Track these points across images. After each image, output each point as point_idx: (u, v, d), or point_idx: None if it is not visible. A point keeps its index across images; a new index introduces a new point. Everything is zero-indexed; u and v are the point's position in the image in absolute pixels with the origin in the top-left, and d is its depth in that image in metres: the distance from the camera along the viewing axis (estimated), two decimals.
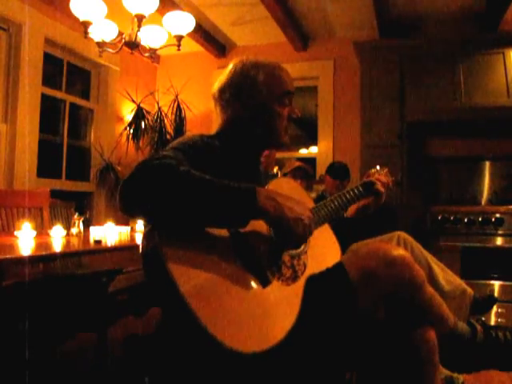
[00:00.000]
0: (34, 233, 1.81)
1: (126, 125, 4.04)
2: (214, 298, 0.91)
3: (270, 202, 0.96)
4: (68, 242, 1.84)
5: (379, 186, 1.45)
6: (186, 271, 0.90)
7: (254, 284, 0.98)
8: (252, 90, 1.22)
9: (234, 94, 1.23)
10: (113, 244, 1.88)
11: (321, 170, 3.95)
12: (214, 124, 4.52)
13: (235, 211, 0.94)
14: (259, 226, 1.05)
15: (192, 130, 4.08)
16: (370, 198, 1.47)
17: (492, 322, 2.92)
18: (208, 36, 4.15)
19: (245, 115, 1.23)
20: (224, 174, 0.96)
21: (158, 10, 2.56)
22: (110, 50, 2.72)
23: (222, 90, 1.26)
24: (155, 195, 0.90)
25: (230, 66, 1.28)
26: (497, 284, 3.02)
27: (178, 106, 4.15)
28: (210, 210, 0.93)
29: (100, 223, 2.81)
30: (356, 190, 1.42)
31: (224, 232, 1.00)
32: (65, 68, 3.73)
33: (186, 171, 0.93)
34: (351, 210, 1.51)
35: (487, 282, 3.03)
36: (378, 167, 1.58)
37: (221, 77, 1.28)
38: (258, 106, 1.22)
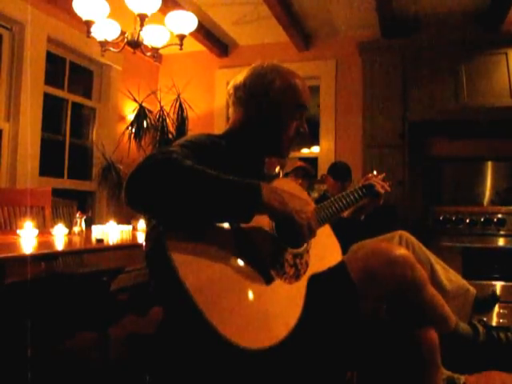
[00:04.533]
0: (36, 231, 1.82)
1: (128, 124, 4.05)
2: (219, 294, 0.91)
3: (274, 196, 0.97)
4: (70, 241, 1.85)
5: (379, 188, 1.50)
6: (190, 266, 0.90)
7: (257, 281, 0.98)
8: (265, 94, 1.21)
9: (247, 95, 1.23)
10: (115, 243, 1.88)
11: (322, 169, 3.94)
12: (216, 123, 4.54)
13: (240, 205, 0.95)
14: (262, 223, 1.06)
15: (194, 129, 4.09)
16: (368, 199, 1.51)
17: (494, 323, 2.92)
18: (210, 35, 4.15)
19: (254, 118, 1.23)
20: (229, 174, 0.96)
21: (160, 10, 2.56)
22: (113, 50, 2.72)
23: (236, 88, 1.25)
24: (160, 188, 0.91)
25: (250, 66, 1.27)
26: (498, 284, 3.02)
27: (180, 105, 4.15)
28: (214, 204, 0.94)
29: (102, 222, 2.82)
30: (356, 193, 1.45)
31: (227, 228, 1.01)
32: (67, 67, 3.74)
33: (190, 165, 0.93)
34: (348, 210, 1.53)
35: (489, 282, 3.02)
36: (375, 172, 1.64)
37: (239, 75, 1.27)
38: (267, 111, 1.22)
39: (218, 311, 0.88)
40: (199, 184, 0.92)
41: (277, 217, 1.01)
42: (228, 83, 1.30)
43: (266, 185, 0.98)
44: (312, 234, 1.06)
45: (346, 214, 1.57)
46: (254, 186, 0.96)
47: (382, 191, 1.53)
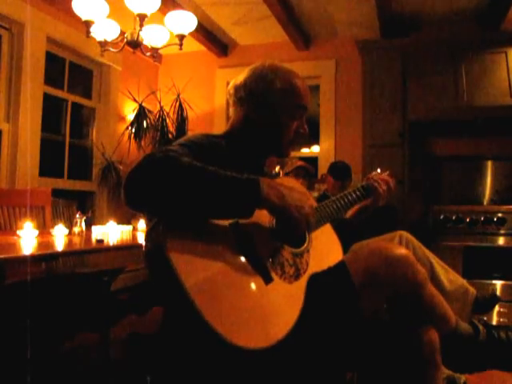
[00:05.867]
0: (36, 232, 1.82)
1: (128, 124, 4.05)
2: (218, 294, 0.91)
3: (273, 191, 0.97)
4: (70, 241, 1.85)
5: (380, 187, 1.47)
6: (189, 266, 0.90)
7: (257, 281, 0.98)
8: (265, 94, 1.21)
9: (248, 95, 1.23)
10: (115, 243, 1.89)
11: (322, 169, 3.94)
12: (216, 123, 4.54)
13: (239, 200, 0.95)
14: (262, 220, 1.06)
15: (194, 129, 4.09)
16: (370, 199, 1.48)
17: (494, 322, 2.92)
18: (210, 35, 4.15)
19: (253, 118, 1.23)
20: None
21: (159, 10, 2.56)
22: (112, 50, 2.72)
23: (236, 88, 1.25)
24: (158, 186, 0.91)
25: (251, 66, 1.27)
26: (499, 284, 3.02)
27: (180, 105, 4.15)
28: (213, 199, 0.94)
29: (102, 222, 2.82)
30: (358, 192, 1.43)
31: (227, 227, 1.01)
32: (67, 67, 3.73)
33: (188, 162, 0.94)
34: (351, 210, 1.52)
35: (489, 281, 3.02)
36: (378, 170, 1.60)
37: (239, 75, 1.28)
38: (267, 111, 1.22)
39: (217, 311, 0.88)
40: (198, 180, 0.92)
41: (275, 211, 1.00)
42: (228, 83, 1.31)
43: (265, 179, 0.98)
44: (309, 229, 1.05)
45: (348, 214, 1.56)
46: (253, 181, 0.96)
47: (381, 191, 1.50)
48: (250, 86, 1.23)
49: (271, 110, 1.22)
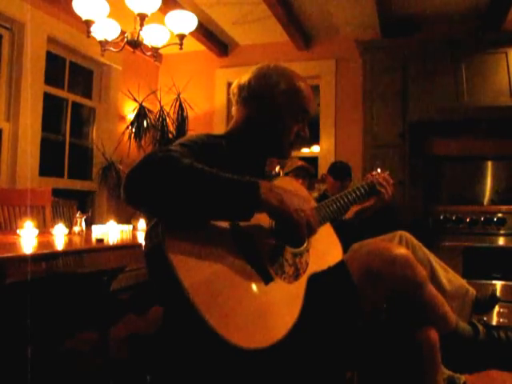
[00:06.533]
0: (37, 231, 1.82)
1: (128, 124, 4.05)
2: (218, 295, 0.91)
3: (272, 194, 0.97)
4: (70, 241, 1.85)
5: (384, 189, 1.46)
6: (189, 266, 0.90)
7: (256, 281, 0.98)
8: (269, 95, 1.22)
9: (251, 95, 1.23)
10: (115, 242, 1.89)
11: (323, 169, 3.94)
12: (216, 123, 4.52)
13: (238, 203, 0.94)
14: (262, 221, 1.06)
15: (194, 128, 4.09)
16: (371, 199, 1.48)
17: (494, 322, 2.92)
18: (210, 35, 4.15)
19: (256, 118, 1.23)
20: (229, 173, 0.96)
21: (160, 9, 2.57)
22: (113, 49, 2.72)
23: (241, 88, 1.26)
24: (158, 185, 0.91)
25: (256, 67, 1.27)
26: (499, 284, 3.02)
27: (180, 104, 4.16)
28: (212, 201, 0.94)
29: (102, 222, 2.82)
30: (358, 192, 1.43)
31: (227, 228, 1.01)
32: (67, 67, 3.74)
33: (188, 162, 0.93)
34: (351, 211, 1.51)
35: (489, 281, 3.02)
36: (378, 170, 1.60)
37: (244, 75, 1.28)
38: (270, 112, 1.22)
39: (217, 311, 0.88)
40: (197, 181, 0.92)
41: (275, 215, 1.00)
42: (228, 83, 1.31)
43: (264, 182, 0.98)
44: (311, 232, 1.05)
45: (348, 215, 1.55)
46: (252, 184, 0.96)
47: (383, 190, 1.50)
48: (254, 87, 1.23)
49: (274, 111, 1.22)
